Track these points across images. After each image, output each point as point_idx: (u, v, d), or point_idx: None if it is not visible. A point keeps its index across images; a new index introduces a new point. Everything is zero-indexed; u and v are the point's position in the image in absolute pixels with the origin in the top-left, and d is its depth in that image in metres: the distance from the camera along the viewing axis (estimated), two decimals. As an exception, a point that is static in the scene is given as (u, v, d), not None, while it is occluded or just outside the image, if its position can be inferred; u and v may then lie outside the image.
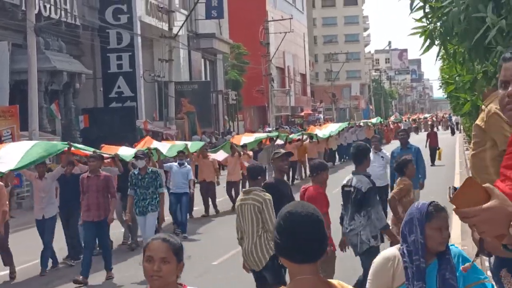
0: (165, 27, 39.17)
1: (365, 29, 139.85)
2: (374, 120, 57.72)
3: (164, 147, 19.43)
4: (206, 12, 50.82)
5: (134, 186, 13.95)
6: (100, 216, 13.00)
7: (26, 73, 24.75)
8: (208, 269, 13.21)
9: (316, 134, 32.46)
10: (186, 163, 18.37)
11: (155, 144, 19.49)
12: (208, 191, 21.05)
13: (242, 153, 22.95)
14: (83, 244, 13.49)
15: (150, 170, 14.13)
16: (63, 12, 32.46)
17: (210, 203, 21.07)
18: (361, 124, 49.60)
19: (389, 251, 4.49)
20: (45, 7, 30.76)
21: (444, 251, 4.29)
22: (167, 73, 38.95)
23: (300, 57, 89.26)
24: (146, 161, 14.39)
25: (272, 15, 68.98)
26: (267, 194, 8.70)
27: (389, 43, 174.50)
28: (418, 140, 33.84)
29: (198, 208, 20.97)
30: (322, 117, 79.14)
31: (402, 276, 4.28)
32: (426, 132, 39.41)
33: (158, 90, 42.55)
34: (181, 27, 40.21)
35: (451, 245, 4.41)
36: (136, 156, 14.50)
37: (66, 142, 14.99)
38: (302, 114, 79.29)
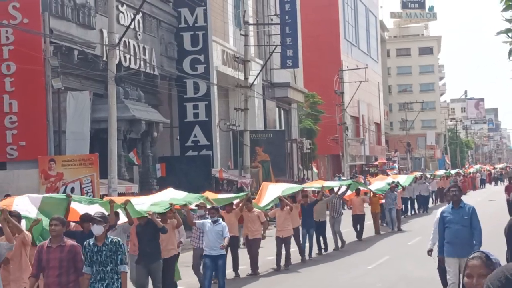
0: (241, 76, 39.65)
1: (441, 78, 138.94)
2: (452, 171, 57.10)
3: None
4: (281, 61, 51.29)
5: (89, 261, 10.56)
6: None
7: (106, 122, 25.33)
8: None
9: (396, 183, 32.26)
10: (220, 220, 16.30)
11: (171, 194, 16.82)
12: (252, 248, 19.77)
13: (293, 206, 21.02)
14: None
15: (109, 240, 10.60)
16: (142, 63, 33.21)
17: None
18: (428, 175, 48.92)
19: None
20: (125, 57, 31.53)
21: None
22: (242, 122, 39.33)
23: (375, 106, 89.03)
24: (105, 226, 10.81)
25: (347, 64, 69.15)
26: None
27: (465, 92, 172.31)
28: (495, 192, 33.31)
29: (245, 267, 19.90)
30: (396, 166, 78.54)
31: None
32: (505, 185, 38.76)
33: (233, 138, 42.95)
34: (256, 76, 40.71)
35: None
36: (92, 219, 10.91)
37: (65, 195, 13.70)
38: (377, 163, 78.84)
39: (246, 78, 38.98)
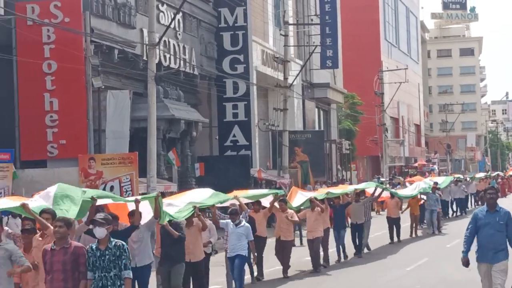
0: (280, 76, 39.58)
1: (482, 80, 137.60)
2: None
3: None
4: (321, 62, 51.15)
5: (91, 266, 9.88)
6: None
7: (145, 121, 25.41)
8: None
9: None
10: (243, 221, 16.07)
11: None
12: (284, 250, 19.27)
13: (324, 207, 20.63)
14: None
15: (113, 243, 9.94)
16: (182, 62, 33.30)
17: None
18: (468, 178, 48.28)
19: None
20: (165, 57, 31.63)
21: None
22: (281, 122, 39.27)
23: (415, 107, 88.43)
24: (108, 228, 10.08)
25: (387, 65, 68.75)
26: None
27: (507, 94, 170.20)
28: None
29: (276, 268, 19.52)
30: (436, 168, 77.90)
31: None
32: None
33: (272, 139, 42.92)
34: (296, 76, 40.63)
35: None
36: (93, 222, 10.21)
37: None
38: (416, 164, 78.30)
39: (285, 78, 38.92)
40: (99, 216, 10.21)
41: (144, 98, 27.14)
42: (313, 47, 44.31)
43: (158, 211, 13.37)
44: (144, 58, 28.21)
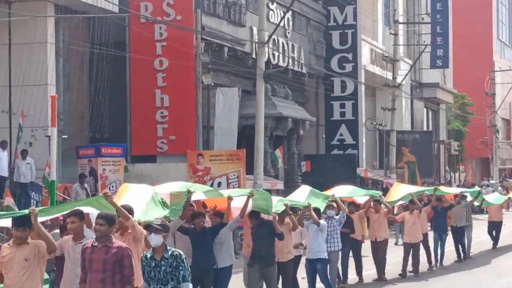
0: (389, 76, 39.26)
1: None
2: None
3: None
4: (431, 61, 50.39)
5: (146, 277, 9.05)
6: None
7: (253, 118, 25.61)
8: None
9: None
10: (322, 222, 15.18)
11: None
12: (378, 251, 18.66)
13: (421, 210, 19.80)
14: None
15: (169, 252, 8.95)
16: (290, 60, 33.41)
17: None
18: None
19: None
20: (273, 55, 31.79)
21: None
22: (389, 122, 38.94)
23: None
24: (165, 236, 9.07)
25: (499, 65, 67.20)
26: None
27: None
28: None
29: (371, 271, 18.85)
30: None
31: None
32: None
33: (379, 138, 42.60)
34: (405, 76, 40.24)
35: None
36: (148, 227, 9.21)
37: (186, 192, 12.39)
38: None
39: (394, 78, 38.61)
40: (156, 222, 9.21)
41: (252, 96, 27.35)
42: (423, 46, 43.79)
43: (245, 211, 13.05)
44: (253, 56, 28.40)
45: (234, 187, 23.31)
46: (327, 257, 15.27)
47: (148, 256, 8.97)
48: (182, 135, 27.46)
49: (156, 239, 8.90)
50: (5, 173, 21.40)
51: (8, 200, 18.30)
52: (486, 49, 69.05)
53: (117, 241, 8.77)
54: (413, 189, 21.06)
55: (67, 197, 21.61)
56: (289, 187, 28.33)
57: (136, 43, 27.54)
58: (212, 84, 27.50)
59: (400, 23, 41.92)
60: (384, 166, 40.16)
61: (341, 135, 38.22)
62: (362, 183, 34.98)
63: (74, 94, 25.84)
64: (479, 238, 23.80)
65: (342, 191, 17.89)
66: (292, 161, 33.88)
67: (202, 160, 24.58)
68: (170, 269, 8.82)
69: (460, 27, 61.20)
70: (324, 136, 38.76)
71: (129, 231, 10.02)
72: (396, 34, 39.50)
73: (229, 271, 13.30)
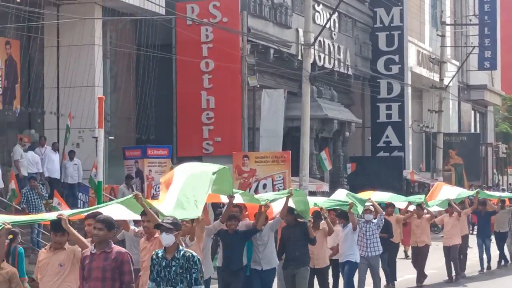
0: (436, 77, 38.94)
1: None
2: None
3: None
4: (478, 63, 49.92)
5: (155, 277, 8.46)
6: None
7: (298, 120, 25.53)
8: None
9: None
10: (349, 225, 14.86)
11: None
12: (417, 256, 18.32)
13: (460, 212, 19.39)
14: None
15: (181, 253, 8.36)
16: (336, 62, 33.28)
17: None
18: None
19: None
20: (319, 57, 31.70)
21: None
22: (436, 124, 38.60)
23: None
24: (177, 235, 8.45)
25: (548, 67, 66.31)
26: None
27: None
28: None
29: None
30: None
31: None
32: None
33: (426, 140, 42.27)
34: (452, 78, 39.89)
35: None
36: (159, 226, 8.57)
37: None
38: None
39: (441, 80, 38.31)
40: (167, 220, 8.52)
41: (298, 98, 27.29)
42: (470, 48, 43.42)
43: (285, 211, 12.84)
44: (299, 57, 28.35)
45: (279, 189, 23.17)
46: (357, 261, 14.92)
47: (159, 254, 8.45)
48: (227, 137, 27.49)
49: (167, 239, 8.34)
50: (58, 175, 21.68)
51: (55, 201, 18.42)
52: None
53: (116, 246, 8.45)
54: (455, 190, 20.76)
55: (113, 198, 21.74)
56: (335, 189, 28.05)
57: (183, 45, 27.64)
58: (258, 86, 27.51)
59: (448, 24, 41.55)
60: (431, 168, 39.83)
61: (387, 137, 37.99)
62: (408, 185, 34.76)
63: (121, 95, 26.01)
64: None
65: (381, 195, 17.76)
66: (338, 163, 33.74)
67: (248, 161, 24.54)
68: (181, 270, 8.28)
69: (508, 28, 60.47)
70: (370, 138, 38.57)
71: (156, 235, 9.86)
72: (443, 36, 39.18)
73: (273, 272, 13.17)
